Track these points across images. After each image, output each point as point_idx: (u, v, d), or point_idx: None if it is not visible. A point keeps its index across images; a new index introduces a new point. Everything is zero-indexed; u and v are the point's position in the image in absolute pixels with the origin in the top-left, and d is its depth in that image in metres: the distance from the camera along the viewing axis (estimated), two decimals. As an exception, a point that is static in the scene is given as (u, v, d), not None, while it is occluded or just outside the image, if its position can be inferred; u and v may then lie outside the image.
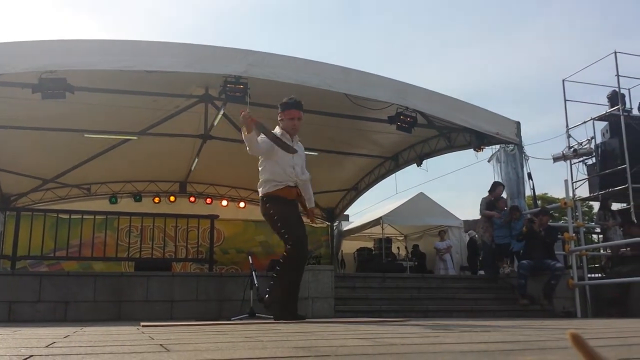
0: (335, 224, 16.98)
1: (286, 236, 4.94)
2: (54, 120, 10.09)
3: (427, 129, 11.17)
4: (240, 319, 5.87)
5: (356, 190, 15.62)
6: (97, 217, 9.61)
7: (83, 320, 6.65)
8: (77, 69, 7.95)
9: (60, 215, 9.61)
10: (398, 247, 17.41)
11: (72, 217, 9.45)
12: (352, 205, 16.43)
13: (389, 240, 16.99)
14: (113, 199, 14.82)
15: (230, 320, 5.80)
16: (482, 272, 11.29)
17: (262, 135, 4.91)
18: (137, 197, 15.14)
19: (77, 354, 1.71)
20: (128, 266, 11.38)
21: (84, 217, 9.36)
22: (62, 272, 9.10)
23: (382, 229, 16.10)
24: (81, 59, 7.86)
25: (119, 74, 8.34)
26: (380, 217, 15.88)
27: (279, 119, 5.21)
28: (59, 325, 4.93)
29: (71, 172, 13.26)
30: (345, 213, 16.91)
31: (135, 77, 8.61)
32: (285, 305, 5.02)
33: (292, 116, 5.10)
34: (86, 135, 11.12)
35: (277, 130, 5.17)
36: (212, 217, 9.72)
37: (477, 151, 10.72)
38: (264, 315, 6.09)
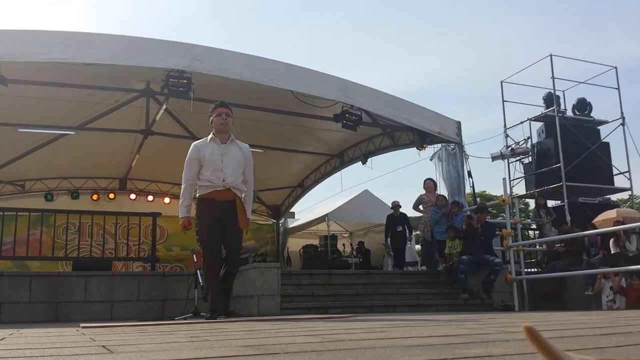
0: (281, 222, 16.95)
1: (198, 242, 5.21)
2: (-15, 114, 9.61)
3: (372, 127, 11.31)
4: (185, 319, 5.77)
5: (302, 188, 15.64)
6: (32, 214, 9.21)
7: (18, 322, 6.38)
8: (9, 60, 7.57)
9: (-8, 213, 9.14)
10: (343, 244, 17.53)
11: (6, 214, 9.03)
12: (298, 202, 16.48)
13: (334, 237, 17.08)
14: (49, 196, 14.28)
15: (173, 320, 5.70)
16: (424, 268, 11.56)
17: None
18: (75, 194, 14.64)
19: (17, 357, 1.64)
20: (65, 265, 10.97)
21: (19, 213, 8.95)
22: (-5, 272, 8.67)
23: (328, 226, 16.17)
24: (14, 49, 7.47)
25: (55, 66, 7.98)
26: (326, 214, 15.95)
27: (210, 123, 5.36)
28: (-8, 328, 4.70)
29: (4, 167, 12.68)
30: (291, 210, 16.92)
31: (73, 69, 8.30)
32: (212, 305, 5.15)
33: (219, 112, 5.29)
34: (20, 130, 10.66)
35: (209, 135, 5.33)
36: (155, 215, 9.47)
37: (420, 150, 10.93)
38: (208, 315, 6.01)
